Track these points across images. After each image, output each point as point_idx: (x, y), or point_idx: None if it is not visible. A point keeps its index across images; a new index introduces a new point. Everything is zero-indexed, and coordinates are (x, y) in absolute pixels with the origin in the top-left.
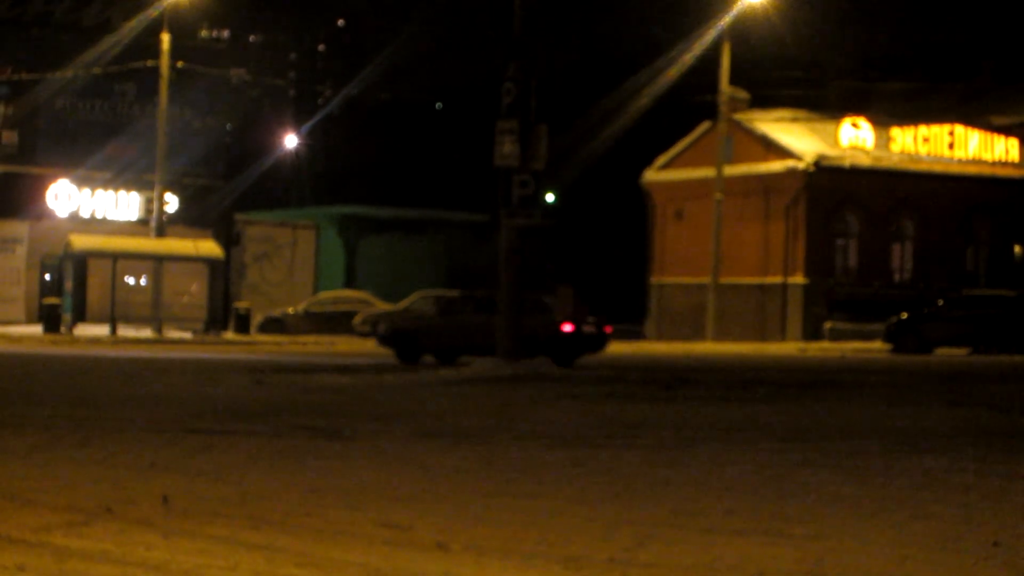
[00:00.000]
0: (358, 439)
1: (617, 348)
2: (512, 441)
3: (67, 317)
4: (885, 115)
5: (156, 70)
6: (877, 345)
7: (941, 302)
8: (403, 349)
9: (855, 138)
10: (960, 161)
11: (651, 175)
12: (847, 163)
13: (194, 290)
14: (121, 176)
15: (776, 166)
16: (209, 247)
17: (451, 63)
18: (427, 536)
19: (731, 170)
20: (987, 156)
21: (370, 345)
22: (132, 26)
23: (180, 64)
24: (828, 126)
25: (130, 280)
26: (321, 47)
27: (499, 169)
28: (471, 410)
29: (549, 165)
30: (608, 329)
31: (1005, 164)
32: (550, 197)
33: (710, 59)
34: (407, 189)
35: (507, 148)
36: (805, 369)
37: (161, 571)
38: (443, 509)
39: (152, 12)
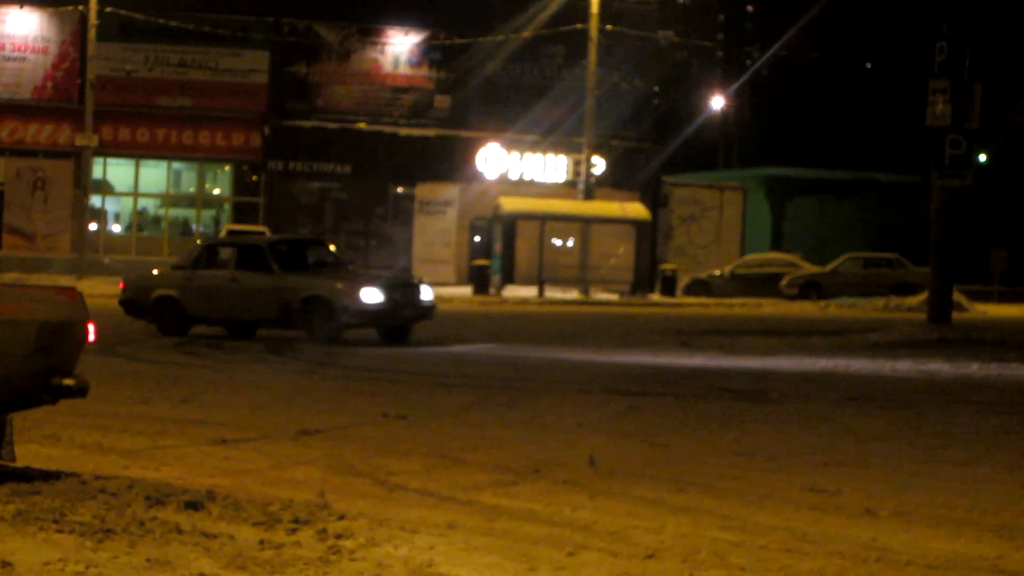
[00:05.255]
0: (784, 402)
1: None
2: (941, 407)
3: (496, 278)
4: None
5: (584, 33)
6: None
7: None
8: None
9: None
10: None
11: None
12: None
13: (621, 252)
14: (548, 138)
15: None
16: (636, 209)
17: (880, 21)
18: (854, 501)
19: None
20: None
21: (797, 308)
22: None
23: (608, 27)
24: None
25: (557, 242)
26: (749, 7)
27: (930, 129)
28: (896, 374)
29: (983, 124)
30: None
31: None
32: (983, 157)
33: None
34: (834, 150)
35: (939, 108)
36: None
37: (588, 531)
38: (871, 474)
39: None
